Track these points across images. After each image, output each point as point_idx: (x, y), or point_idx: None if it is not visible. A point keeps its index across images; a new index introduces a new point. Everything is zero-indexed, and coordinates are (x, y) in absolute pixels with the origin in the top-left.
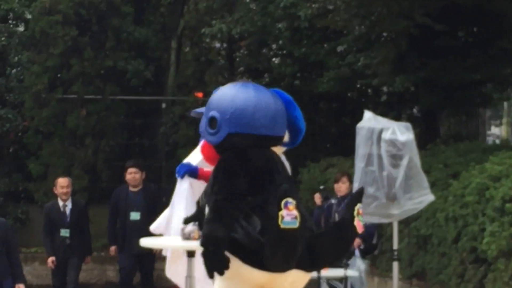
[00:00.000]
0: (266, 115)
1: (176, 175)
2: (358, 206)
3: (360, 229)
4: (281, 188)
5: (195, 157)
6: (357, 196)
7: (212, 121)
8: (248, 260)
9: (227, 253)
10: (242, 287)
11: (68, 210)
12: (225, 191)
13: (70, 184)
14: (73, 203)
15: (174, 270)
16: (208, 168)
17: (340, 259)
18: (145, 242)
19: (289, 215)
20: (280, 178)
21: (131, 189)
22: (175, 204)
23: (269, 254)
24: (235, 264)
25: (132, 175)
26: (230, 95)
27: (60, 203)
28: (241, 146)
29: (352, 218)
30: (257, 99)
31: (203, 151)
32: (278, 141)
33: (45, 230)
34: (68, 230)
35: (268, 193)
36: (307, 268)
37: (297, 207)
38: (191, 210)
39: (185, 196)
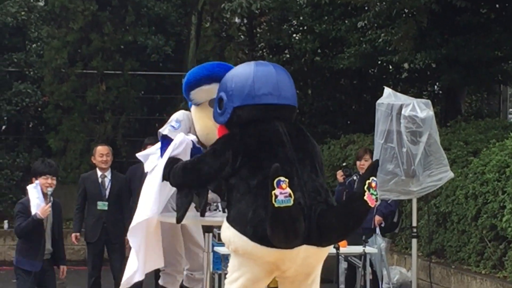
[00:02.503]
0: (266, 83)
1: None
2: (371, 179)
3: (372, 203)
4: (273, 167)
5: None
6: (371, 170)
7: (220, 102)
8: (255, 238)
9: (235, 231)
10: (254, 264)
11: (107, 181)
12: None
13: (110, 153)
14: (113, 175)
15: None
16: None
17: (349, 233)
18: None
19: (282, 193)
20: (285, 152)
21: None
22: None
23: (270, 232)
24: (244, 242)
25: None
26: (232, 73)
27: (99, 173)
28: (248, 120)
29: (362, 192)
30: (256, 70)
31: (219, 136)
32: (288, 111)
33: (78, 202)
34: (106, 204)
35: (268, 169)
36: (317, 243)
37: (301, 181)
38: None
39: None
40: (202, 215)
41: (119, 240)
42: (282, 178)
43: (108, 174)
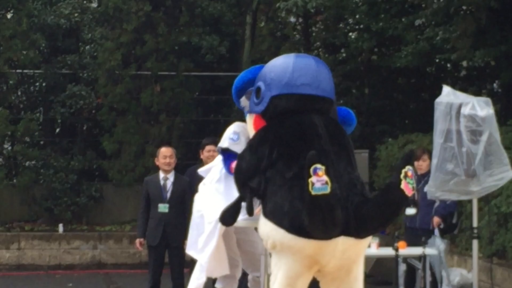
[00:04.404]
0: (306, 74)
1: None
2: (407, 168)
3: (409, 191)
4: (309, 155)
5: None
6: (406, 159)
7: (257, 91)
8: (292, 230)
9: (272, 225)
10: (293, 260)
11: (169, 184)
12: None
13: (173, 155)
14: (176, 177)
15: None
16: None
17: (387, 223)
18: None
19: (319, 181)
20: (321, 144)
21: None
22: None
23: (308, 222)
24: (282, 235)
25: (211, 153)
26: (271, 64)
27: (161, 175)
28: (285, 110)
29: (398, 181)
30: (295, 61)
31: (254, 126)
32: (326, 103)
33: (142, 205)
34: (167, 206)
35: (304, 161)
36: (355, 234)
37: (333, 171)
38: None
39: None
40: (251, 215)
41: (179, 244)
42: (318, 166)
43: (170, 176)
